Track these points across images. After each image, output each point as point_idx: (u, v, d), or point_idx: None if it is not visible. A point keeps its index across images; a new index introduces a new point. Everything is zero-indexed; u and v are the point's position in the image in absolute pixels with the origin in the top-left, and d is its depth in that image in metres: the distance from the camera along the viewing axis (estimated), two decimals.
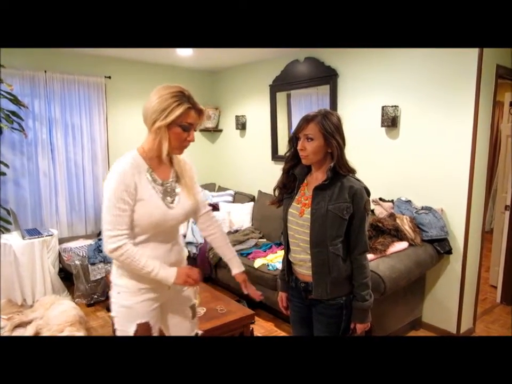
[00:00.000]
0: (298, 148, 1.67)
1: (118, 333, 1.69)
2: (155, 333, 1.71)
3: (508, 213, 3.73)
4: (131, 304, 1.64)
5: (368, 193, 1.69)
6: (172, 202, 1.65)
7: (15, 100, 3.53)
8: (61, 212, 4.18)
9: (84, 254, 3.63)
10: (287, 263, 1.83)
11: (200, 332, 1.95)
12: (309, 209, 1.67)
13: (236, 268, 1.87)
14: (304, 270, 1.74)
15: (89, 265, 3.56)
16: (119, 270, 1.66)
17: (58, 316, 3.00)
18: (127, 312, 1.64)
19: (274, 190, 1.84)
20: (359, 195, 1.63)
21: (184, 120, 1.54)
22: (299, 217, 1.71)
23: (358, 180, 1.68)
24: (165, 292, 1.74)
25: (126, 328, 1.65)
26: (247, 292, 1.89)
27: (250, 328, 3.02)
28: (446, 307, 3.15)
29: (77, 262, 3.58)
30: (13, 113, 3.52)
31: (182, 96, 1.52)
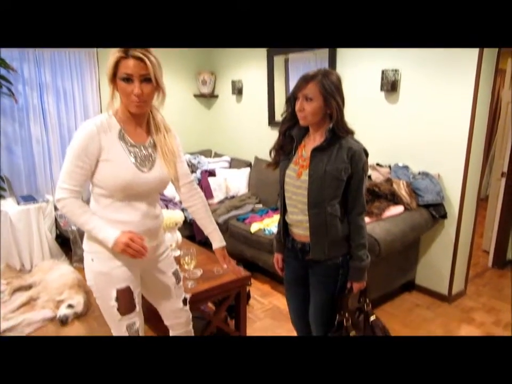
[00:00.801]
0: (297, 108, 1.63)
1: (99, 301, 1.67)
2: (137, 298, 1.68)
3: (503, 179, 3.74)
4: (108, 270, 1.61)
5: (367, 155, 1.67)
6: (145, 166, 1.59)
7: (3, 63, 3.43)
8: (56, 178, 4.14)
9: None
10: (283, 224, 1.83)
11: (188, 296, 1.95)
12: (307, 170, 1.66)
13: (217, 241, 1.83)
14: (301, 231, 1.75)
15: None
16: (90, 236, 1.61)
17: (57, 280, 3.04)
18: (105, 279, 1.61)
19: (270, 152, 1.81)
20: (358, 156, 1.62)
21: (122, 71, 1.45)
22: (296, 179, 1.70)
23: (357, 142, 1.66)
24: (142, 258, 1.66)
25: (105, 295, 1.62)
26: (226, 267, 1.86)
27: (247, 290, 3.08)
28: (439, 270, 3.20)
29: (74, 228, 3.58)
30: (2, 77, 3.43)
31: (121, 48, 1.44)
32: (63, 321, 2.81)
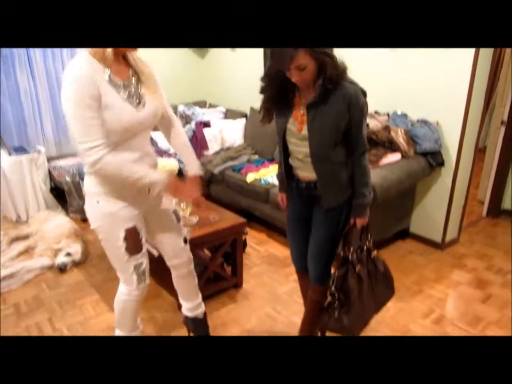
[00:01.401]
0: (294, 80, 1.57)
1: (105, 243, 1.69)
2: (143, 238, 1.72)
3: (503, 128, 3.69)
4: (115, 211, 1.62)
5: (365, 95, 1.64)
6: (139, 104, 1.57)
7: None
8: (47, 130, 4.06)
9: (74, 171, 3.59)
10: (286, 167, 1.82)
11: (188, 236, 1.99)
12: (306, 125, 1.64)
13: (192, 170, 1.81)
14: (305, 173, 1.76)
15: (80, 181, 3.54)
16: (95, 178, 1.60)
17: (53, 229, 3.06)
18: (113, 219, 1.62)
19: (260, 111, 1.76)
20: (355, 100, 1.58)
21: None
22: (298, 134, 1.69)
23: (352, 83, 1.61)
24: (145, 198, 1.72)
25: (113, 235, 1.64)
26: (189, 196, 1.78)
27: (243, 239, 3.12)
28: (433, 218, 3.23)
29: (68, 179, 3.56)
30: None
31: None
32: (62, 269, 2.85)
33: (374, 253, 1.86)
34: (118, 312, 1.85)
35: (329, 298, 1.82)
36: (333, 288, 1.79)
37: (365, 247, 1.82)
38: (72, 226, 3.11)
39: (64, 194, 3.68)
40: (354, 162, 1.70)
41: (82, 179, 3.52)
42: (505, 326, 2.37)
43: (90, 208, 1.66)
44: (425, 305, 2.56)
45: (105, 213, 1.62)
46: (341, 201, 1.74)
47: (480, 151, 3.66)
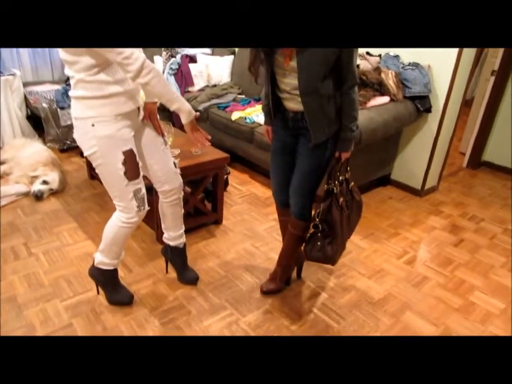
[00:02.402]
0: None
1: (103, 169, 1.65)
2: (138, 161, 1.70)
3: (493, 78, 3.64)
4: (112, 133, 1.59)
5: None
6: None
7: None
8: (22, 54, 3.82)
9: (52, 97, 3.43)
10: (273, 97, 1.75)
11: (177, 161, 1.96)
12: (294, 58, 1.57)
13: (185, 117, 1.70)
14: (292, 104, 1.72)
15: (58, 109, 3.40)
16: (85, 102, 1.55)
17: (30, 157, 2.96)
18: (110, 142, 1.59)
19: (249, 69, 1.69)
20: None
21: None
22: (286, 67, 1.63)
23: None
24: (137, 119, 1.71)
25: (112, 159, 1.61)
26: (194, 138, 1.75)
27: (225, 177, 3.09)
28: (415, 166, 3.25)
29: (45, 105, 3.40)
30: None
31: None
32: (38, 197, 2.79)
33: (352, 184, 1.88)
34: (108, 239, 1.81)
35: (311, 230, 1.84)
36: (317, 220, 1.81)
37: (345, 179, 1.83)
38: (50, 155, 3.01)
39: (41, 123, 3.54)
40: (343, 96, 1.66)
41: (60, 107, 3.40)
42: (473, 268, 2.47)
43: (83, 134, 1.60)
44: (400, 247, 2.63)
45: (102, 135, 1.58)
46: (329, 136, 1.71)
47: (466, 105, 3.62)
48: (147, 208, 1.79)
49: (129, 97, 1.61)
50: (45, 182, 2.82)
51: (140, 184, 1.71)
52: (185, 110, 1.62)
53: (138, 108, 1.70)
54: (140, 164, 1.71)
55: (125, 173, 1.64)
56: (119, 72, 1.55)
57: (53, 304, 1.97)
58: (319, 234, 1.83)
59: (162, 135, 1.86)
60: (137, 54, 1.45)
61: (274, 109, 1.79)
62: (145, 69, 1.45)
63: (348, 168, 1.83)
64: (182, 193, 1.99)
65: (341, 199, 1.79)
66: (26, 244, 2.40)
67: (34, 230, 2.54)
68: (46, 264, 2.24)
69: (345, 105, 1.67)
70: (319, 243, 1.82)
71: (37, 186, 2.79)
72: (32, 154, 2.96)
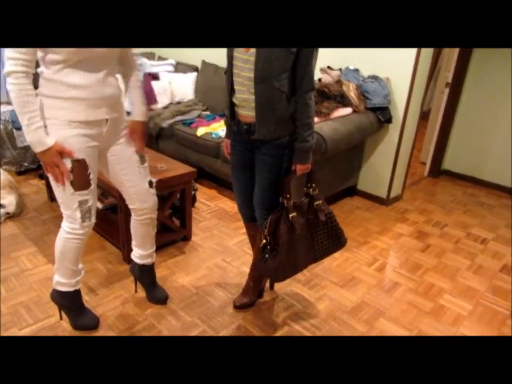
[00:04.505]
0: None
1: (50, 173, 1.57)
2: (92, 174, 1.63)
3: (447, 90, 3.83)
4: (63, 138, 1.52)
5: None
6: None
7: None
8: None
9: (7, 118, 3.29)
10: (231, 106, 1.74)
11: (154, 180, 1.90)
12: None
13: (137, 115, 1.77)
14: (247, 111, 1.68)
15: (14, 130, 3.25)
16: (45, 100, 1.50)
17: None
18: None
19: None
20: None
21: None
22: (245, 53, 1.59)
23: None
24: (101, 131, 1.63)
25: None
26: (132, 144, 1.76)
27: (193, 193, 3.04)
28: (380, 176, 3.33)
29: (0, 127, 3.25)
30: None
31: None
32: None
33: (318, 202, 1.81)
34: (58, 254, 1.72)
35: (263, 241, 1.78)
36: (265, 231, 1.75)
37: (307, 195, 1.80)
38: (6, 178, 2.86)
39: None
40: (298, 100, 1.62)
41: (16, 128, 3.26)
42: (441, 271, 2.52)
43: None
44: (370, 255, 2.65)
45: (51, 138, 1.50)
46: (277, 134, 1.65)
47: (423, 118, 3.77)
48: (93, 221, 1.70)
49: (91, 106, 1.53)
50: (0, 206, 2.67)
51: (88, 196, 1.63)
52: (32, 143, 1.49)
53: (107, 120, 1.62)
54: (93, 176, 1.63)
55: (71, 182, 1.56)
56: (84, 76, 1.49)
57: (12, 333, 1.83)
58: (268, 247, 1.76)
59: (142, 153, 1.80)
60: (17, 62, 1.38)
61: (231, 120, 1.77)
62: (10, 77, 1.40)
63: (313, 184, 1.79)
64: (156, 213, 1.92)
65: (293, 214, 1.73)
66: None
67: None
68: (3, 291, 2.10)
69: (300, 110, 1.64)
70: (266, 255, 1.75)
71: None
72: None
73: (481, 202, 3.62)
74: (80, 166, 1.57)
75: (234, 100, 1.71)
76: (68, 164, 1.54)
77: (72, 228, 1.66)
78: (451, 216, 3.29)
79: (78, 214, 1.62)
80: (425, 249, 2.77)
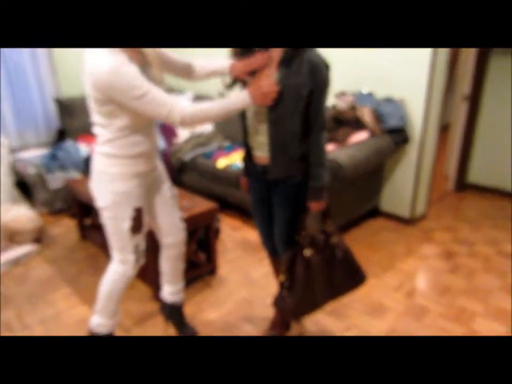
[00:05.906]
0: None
1: (110, 222, 1.71)
2: (144, 217, 1.78)
3: (465, 103, 3.79)
4: (129, 189, 1.67)
5: (328, 68, 1.63)
6: (157, 84, 1.61)
7: None
8: (8, 120, 3.89)
9: (39, 163, 3.47)
10: (246, 148, 1.81)
11: (182, 215, 2.02)
12: None
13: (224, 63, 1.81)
14: (261, 153, 1.74)
15: (46, 174, 3.43)
16: (110, 159, 1.65)
17: (17, 221, 2.95)
18: (125, 197, 1.68)
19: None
20: (318, 69, 1.58)
21: None
22: None
23: (318, 56, 1.61)
24: (152, 173, 1.79)
25: (123, 213, 1.69)
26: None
27: (217, 226, 3.10)
28: (402, 195, 3.31)
29: (32, 171, 3.43)
30: None
31: None
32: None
33: (335, 239, 1.81)
34: (106, 295, 1.82)
35: (281, 277, 1.81)
36: (283, 269, 1.79)
37: (324, 231, 1.81)
38: (37, 219, 3.01)
39: (29, 189, 3.56)
40: (311, 139, 1.67)
41: (48, 172, 3.43)
42: (472, 294, 2.47)
43: (101, 187, 1.69)
44: (396, 280, 2.63)
45: (119, 191, 1.66)
46: (290, 173, 1.70)
47: (443, 130, 3.75)
48: (143, 261, 1.84)
49: (150, 157, 1.72)
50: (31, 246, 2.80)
51: (142, 239, 1.79)
52: (245, 98, 1.60)
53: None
54: (146, 219, 1.79)
55: (131, 228, 1.71)
56: (146, 133, 1.66)
57: None
58: (285, 284, 1.79)
59: (172, 187, 1.95)
60: (171, 108, 1.51)
61: (248, 162, 1.84)
62: (183, 118, 1.54)
63: (328, 221, 1.80)
64: (185, 247, 2.02)
65: (308, 252, 1.74)
66: (19, 316, 2.35)
67: (27, 299, 2.50)
68: (41, 333, 2.20)
69: (313, 150, 1.68)
70: (283, 292, 1.78)
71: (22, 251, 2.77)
72: (18, 218, 2.95)
73: (510, 215, 3.53)
74: (140, 212, 1.73)
75: (249, 142, 1.78)
76: (130, 212, 1.69)
77: (124, 269, 1.78)
78: (479, 232, 3.22)
79: (132, 257, 1.77)
80: (454, 270, 2.73)
